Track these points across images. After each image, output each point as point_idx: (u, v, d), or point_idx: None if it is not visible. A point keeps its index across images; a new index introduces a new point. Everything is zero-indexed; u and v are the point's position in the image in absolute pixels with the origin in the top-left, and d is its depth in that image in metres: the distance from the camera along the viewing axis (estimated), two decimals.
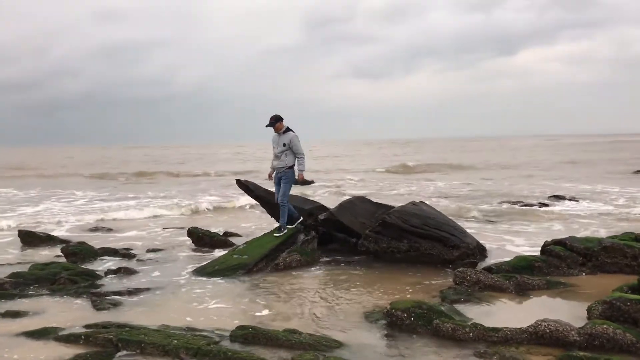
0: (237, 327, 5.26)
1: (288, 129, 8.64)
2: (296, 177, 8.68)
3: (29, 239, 10.43)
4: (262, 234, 9.43)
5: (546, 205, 15.23)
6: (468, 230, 9.10)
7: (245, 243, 8.84)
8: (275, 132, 8.71)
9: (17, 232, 10.75)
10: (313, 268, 8.09)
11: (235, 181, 9.87)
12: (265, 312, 6.09)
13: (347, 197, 11.47)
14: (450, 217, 9.38)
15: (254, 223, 12.76)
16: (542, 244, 8.09)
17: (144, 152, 79.23)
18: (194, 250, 9.76)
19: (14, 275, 7.29)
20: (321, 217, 8.99)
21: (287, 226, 8.69)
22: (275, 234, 8.67)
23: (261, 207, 10.76)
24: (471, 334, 4.95)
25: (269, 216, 10.51)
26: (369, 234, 8.04)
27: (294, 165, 8.62)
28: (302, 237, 8.86)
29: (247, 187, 9.61)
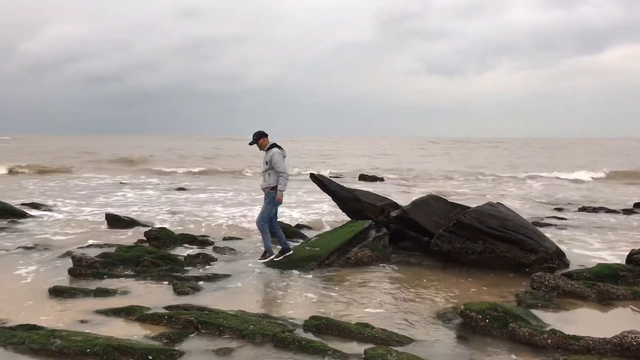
0: (310, 317, 5.38)
1: (273, 146, 7.99)
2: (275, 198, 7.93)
3: (115, 221, 11.12)
4: (333, 228, 9.52)
5: (633, 212, 14.41)
6: (547, 235, 8.78)
7: (317, 236, 8.97)
8: (260, 149, 8.09)
9: (104, 216, 11.47)
10: (384, 264, 8.08)
11: (309, 175, 10.02)
12: (337, 304, 6.17)
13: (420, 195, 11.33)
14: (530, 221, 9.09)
15: (324, 217, 12.88)
16: (628, 253, 7.70)
17: (217, 144, 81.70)
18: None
19: (103, 255, 7.80)
20: (393, 214, 8.97)
21: (267, 258, 7.99)
22: (259, 260, 8.08)
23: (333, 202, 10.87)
24: (549, 341, 4.80)
25: (340, 211, 10.64)
26: (442, 234, 7.94)
27: (277, 185, 7.86)
28: (373, 233, 8.89)
29: (320, 181, 9.75)
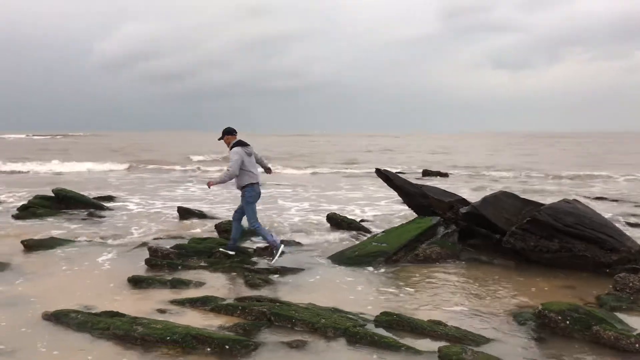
0: (381, 313, 5.35)
1: (237, 144, 7.77)
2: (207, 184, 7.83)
3: (186, 214, 11.52)
4: (400, 224, 9.42)
5: None
6: (629, 234, 8.31)
7: (383, 231, 8.91)
8: (227, 146, 7.90)
9: (177, 209, 11.90)
10: (453, 262, 7.91)
11: (374, 170, 9.96)
12: (406, 301, 6.10)
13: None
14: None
15: (390, 212, 12.78)
16: None
17: (284, 140, 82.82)
18: (331, 234, 10.00)
19: (177, 247, 8.08)
20: (463, 210, 8.76)
21: (275, 256, 7.70)
22: (267, 258, 7.86)
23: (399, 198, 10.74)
24: (637, 345, 4.54)
25: (406, 207, 10.51)
26: (515, 231, 7.68)
27: (249, 184, 7.69)
28: (441, 229, 8.73)
29: (386, 176, 9.67)
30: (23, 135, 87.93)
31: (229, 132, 7.92)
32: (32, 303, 5.79)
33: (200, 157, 36.35)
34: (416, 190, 9.56)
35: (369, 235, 9.63)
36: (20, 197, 14.72)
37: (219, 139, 8.03)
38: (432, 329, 4.98)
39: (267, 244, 8.21)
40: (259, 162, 8.20)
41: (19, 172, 25.34)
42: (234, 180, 7.72)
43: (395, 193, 10.53)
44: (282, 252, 7.80)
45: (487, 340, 4.86)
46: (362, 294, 6.37)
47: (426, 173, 24.84)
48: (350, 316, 5.39)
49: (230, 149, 7.75)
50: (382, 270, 7.42)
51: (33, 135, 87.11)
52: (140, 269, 7.35)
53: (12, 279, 6.76)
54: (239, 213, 8.08)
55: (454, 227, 8.77)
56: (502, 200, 8.77)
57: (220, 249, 7.94)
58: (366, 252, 7.94)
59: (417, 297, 6.26)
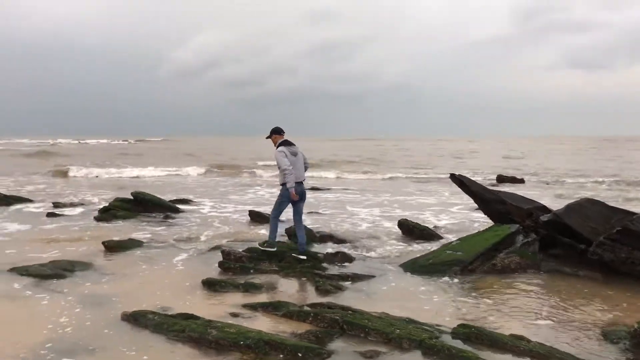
0: (459, 325, 5.11)
1: (283, 143, 7.92)
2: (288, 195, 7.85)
3: (257, 218, 11.66)
4: (475, 231, 9.07)
5: None
6: None
7: (458, 239, 8.59)
8: (274, 146, 8.06)
9: (248, 212, 12.08)
10: (534, 273, 7.49)
11: (449, 175, 9.65)
12: (484, 313, 5.81)
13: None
14: None
15: (464, 219, 12.37)
16: None
17: (344, 145, 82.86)
18: (403, 241, 9.81)
19: (249, 250, 8.14)
20: (544, 218, 8.30)
21: (263, 247, 7.96)
22: (258, 245, 8.14)
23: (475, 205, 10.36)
24: None
25: (482, 214, 10.11)
26: (604, 241, 7.15)
27: (285, 182, 7.77)
28: (520, 238, 8.30)
29: (461, 181, 9.33)
30: (105, 140, 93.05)
31: (276, 132, 8.06)
32: (113, 303, 5.99)
33: (269, 162, 36.93)
34: (493, 196, 9.17)
35: (442, 242, 9.34)
36: (102, 200, 15.48)
37: (267, 138, 8.17)
38: (514, 344, 4.69)
39: (336, 251, 8.14)
40: (305, 164, 8.24)
41: (96, 176, 26.61)
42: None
43: (469, 199, 10.19)
44: (272, 252, 7.90)
45: None
46: (437, 304, 6.13)
47: (500, 179, 23.96)
48: (426, 327, 5.18)
49: (276, 148, 7.90)
50: (458, 280, 7.12)
51: (112, 141, 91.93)
52: (214, 272, 7.46)
53: (96, 278, 7.04)
54: (298, 215, 8.20)
55: (534, 236, 8.31)
56: (587, 208, 8.23)
57: (293, 254, 7.95)
58: (441, 260, 7.67)
59: (496, 309, 5.94)
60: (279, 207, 8.08)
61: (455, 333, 4.99)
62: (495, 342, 4.77)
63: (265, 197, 17.14)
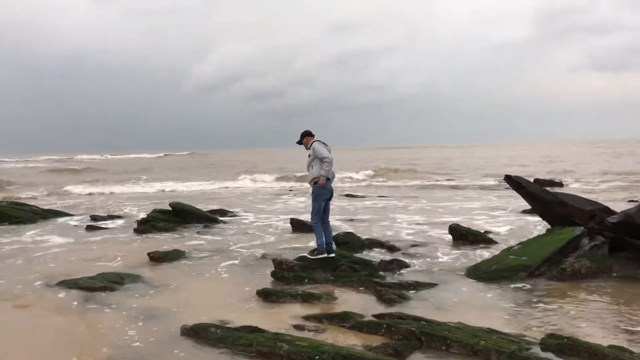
0: (548, 336, 4.69)
1: (317, 141, 7.78)
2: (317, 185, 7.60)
3: (299, 226, 11.35)
4: (527, 234, 8.60)
5: None
6: None
7: (519, 244, 8.12)
8: (306, 148, 7.90)
9: (289, 220, 11.79)
10: (606, 278, 7.00)
11: (503, 177, 9.20)
12: (569, 321, 5.37)
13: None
14: None
15: (513, 223, 11.87)
16: None
17: (371, 153, 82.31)
18: (455, 246, 9.37)
19: (300, 259, 7.80)
20: (613, 220, 7.79)
21: (314, 256, 7.66)
22: (307, 255, 7.77)
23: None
24: None
25: (531, 217, 9.64)
26: None
27: (319, 177, 7.55)
28: (586, 241, 7.82)
29: (517, 183, 8.88)
30: (133, 155, 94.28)
31: (309, 134, 7.91)
32: (170, 315, 5.72)
33: (298, 173, 36.69)
34: (553, 197, 8.69)
35: (498, 248, 8.89)
36: (139, 211, 15.37)
37: (298, 142, 7.99)
38: (616, 356, 4.25)
39: (392, 259, 7.77)
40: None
41: (131, 191, 26.69)
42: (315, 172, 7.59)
43: (515, 202, 9.72)
44: (322, 259, 7.61)
45: None
46: (514, 312, 5.71)
47: (536, 182, 23.24)
48: (511, 338, 4.76)
49: (310, 147, 7.73)
50: (528, 286, 6.68)
51: (140, 155, 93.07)
52: (266, 281, 7.16)
53: (147, 291, 6.78)
54: (325, 214, 7.92)
55: (600, 239, 7.82)
56: None
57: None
58: (505, 266, 7.23)
59: (578, 317, 5.50)
60: (317, 210, 7.73)
61: (545, 344, 4.57)
62: (592, 353, 4.34)
63: (299, 206, 16.84)
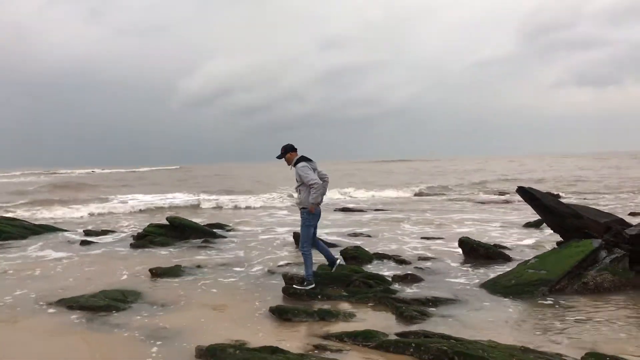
0: (587, 354, 4.42)
1: (301, 159, 7.04)
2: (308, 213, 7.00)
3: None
4: (552, 248, 8.38)
5: None
6: None
7: (536, 257, 7.88)
8: (288, 164, 7.17)
9: (292, 234, 11.46)
10: (630, 291, 6.77)
11: (516, 189, 8.99)
12: (604, 338, 5.10)
13: None
14: None
15: (523, 236, 11.66)
16: None
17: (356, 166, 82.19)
18: (467, 260, 9.12)
19: (288, 289, 7.15)
20: (632, 231, 7.60)
21: (304, 287, 6.95)
22: (295, 287, 7.04)
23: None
24: None
25: (538, 229, 9.42)
26: None
27: (311, 202, 6.92)
28: (604, 254, 7.60)
29: (531, 194, 8.66)
30: (122, 170, 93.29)
31: (292, 149, 7.16)
32: (179, 336, 5.37)
33: (287, 187, 36.37)
34: (568, 210, 8.48)
35: (512, 262, 8.67)
36: (133, 226, 14.97)
37: (279, 157, 7.23)
38: None
39: (405, 273, 7.51)
40: (322, 179, 7.17)
41: (119, 202, 26.18)
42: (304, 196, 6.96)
43: (521, 215, 9.50)
44: (311, 289, 6.92)
45: None
46: (545, 329, 5.43)
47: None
48: (548, 357, 4.49)
49: (294, 165, 7.04)
50: (551, 300, 6.43)
51: (127, 170, 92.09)
52: (276, 297, 6.85)
53: (152, 309, 6.42)
54: (314, 233, 7.31)
55: (619, 251, 7.60)
56: None
57: (356, 279, 7.24)
58: (525, 280, 6.98)
59: (613, 332, 5.24)
60: (307, 236, 7.08)
61: None
62: None
63: (292, 219, 16.52)
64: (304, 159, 7.11)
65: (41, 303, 6.74)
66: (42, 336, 5.48)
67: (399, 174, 54.83)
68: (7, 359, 4.86)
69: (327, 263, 7.64)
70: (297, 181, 7.03)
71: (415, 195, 27.49)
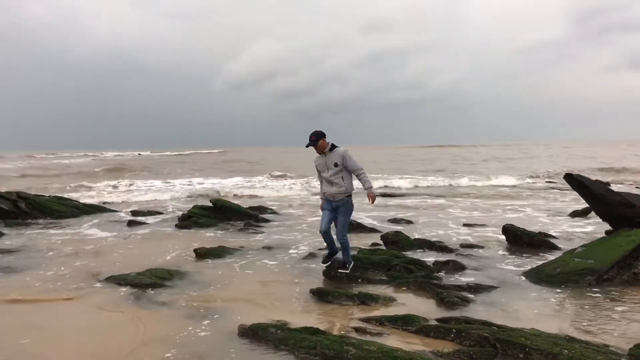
0: (636, 346, 4.29)
1: (334, 146, 6.83)
2: (368, 199, 6.79)
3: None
4: (601, 237, 8.12)
5: None
6: None
7: (583, 246, 7.66)
8: (319, 152, 6.84)
9: None
10: None
11: (563, 175, 8.72)
12: None
13: None
14: None
15: (571, 225, 11.35)
16: None
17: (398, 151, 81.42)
18: (510, 248, 8.95)
19: (332, 274, 7.25)
20: None
21: (349, 269, 7.02)
22: (340, 271, 7.03)
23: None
24: None
25: (585, 218, 9.13)
26: None
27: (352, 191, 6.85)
28: None
29: (580, 182, 8.38)
30: (168, 152, 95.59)
31: (323, 135, 6.83)
32: (223, 314, 5.51)
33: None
34: (618, 198, 8.17)
35: (557, 250, 8.47)
36: (178, 208, 15.34)
37: (308, 145, 6.81)
38: None
39: (447, 260, 7.43)
40: None
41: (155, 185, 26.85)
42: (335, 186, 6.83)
43: (568, 203, 9.21)
44: (345, 274, 6.98)
45: None
46: (591, 319, 5.30)
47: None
48: (594, 347, 4.39)
49: (330, 152, 6.80)
50: (598, 290, 6.25)
51: (171, 154, 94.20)
52: (317, 280, 6.93)
53: (197, 287, 6.60)
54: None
55: None
56: None
57: (397, 264, 7.24)
58: (570, 269, 6.80)
59: None
60: (348, 222, 7.13)
61: (635, 355, 4.18)
62: None
63: None
64: (337, 146, 6.96)
65: (91, 279, 7.03)
66: (93, 310, 5.72)
67: (511, 159, 54.09)
68: (59, 330, 5.11)
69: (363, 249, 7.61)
70: (334, 166, 6.78)
71: (461, 183, 26.90)
